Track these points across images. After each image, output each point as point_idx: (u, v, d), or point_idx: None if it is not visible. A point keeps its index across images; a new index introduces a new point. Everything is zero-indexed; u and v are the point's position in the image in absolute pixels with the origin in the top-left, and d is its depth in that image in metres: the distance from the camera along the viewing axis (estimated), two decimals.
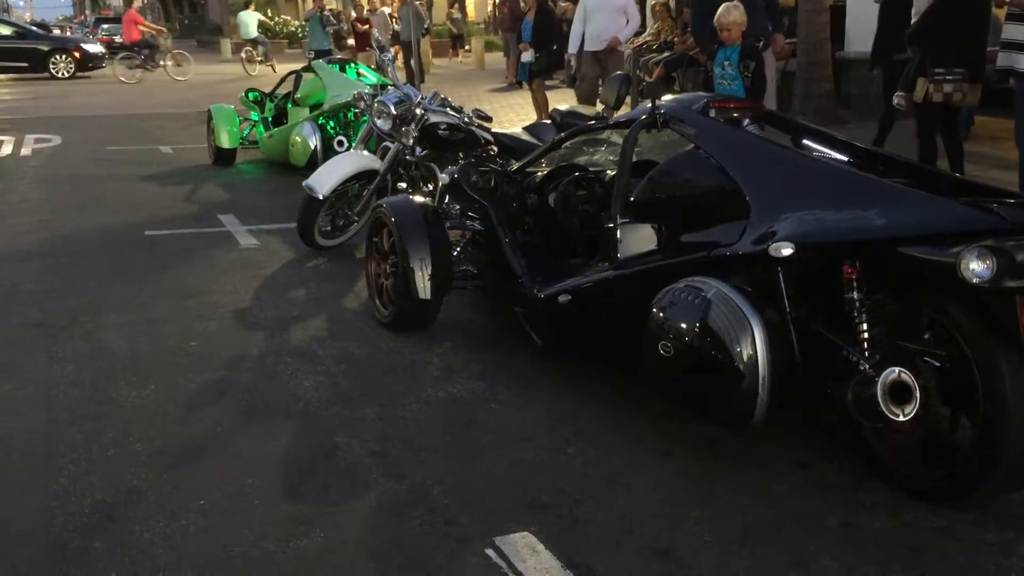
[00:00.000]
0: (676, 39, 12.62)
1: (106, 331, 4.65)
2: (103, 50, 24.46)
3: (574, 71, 11.73)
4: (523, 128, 6.22)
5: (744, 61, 6.31)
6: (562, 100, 11.53)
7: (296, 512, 2.93)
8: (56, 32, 34.32)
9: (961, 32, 6.52)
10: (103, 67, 23.21)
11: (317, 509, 2.95)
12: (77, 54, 23.09)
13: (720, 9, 6.37)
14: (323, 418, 3.64)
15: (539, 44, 10.99)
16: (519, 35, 11.44)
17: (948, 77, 6.57)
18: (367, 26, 16.20)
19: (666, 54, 12.33)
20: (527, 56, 10.96)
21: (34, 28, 24.63)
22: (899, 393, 2.70)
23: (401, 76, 13.42)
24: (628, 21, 10.16)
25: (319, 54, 15.13)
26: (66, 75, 22.56)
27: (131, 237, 6.69)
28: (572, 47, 10.20)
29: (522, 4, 13.97)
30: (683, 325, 3.12)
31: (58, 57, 22.88)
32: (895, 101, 7.14)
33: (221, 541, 2.77)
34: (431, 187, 5.47)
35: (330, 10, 17.16)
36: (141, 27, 21.38)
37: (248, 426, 3.57)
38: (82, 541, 2.78)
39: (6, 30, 23.33)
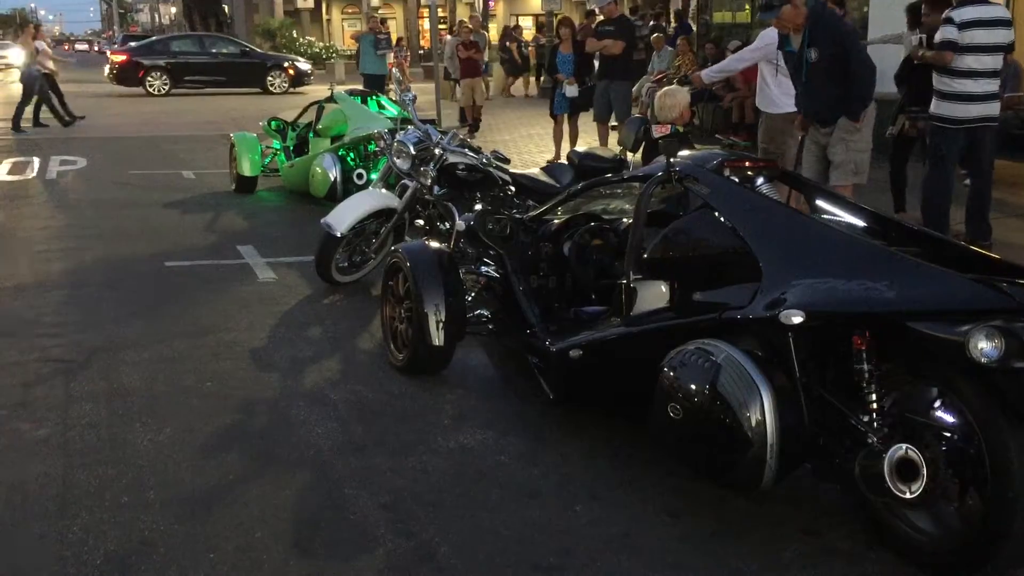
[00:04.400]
0: (692, 72, 12.66)
1: (124, 368, 4.71)
2: (311, 67, 26.13)
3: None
4: (540, 168, 6.26)
5: None
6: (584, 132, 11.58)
7: (305, 569, 2.96)
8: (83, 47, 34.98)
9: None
10: (310, 83, 24.65)
11: (325, 566, 2.98)
12: (291, 71, 24.51)
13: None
14: (334, 467, 3.67)
15: (579, 78, 11.09)
16: (554, 68, 11.45)
17: (922, 114, 6.98)
18: (473, 51, 15.08)
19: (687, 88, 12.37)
20: (572, 91, 11.01)
21: (252, 47, 26.41)
22: (906, 470, 2.71)
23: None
24: None
25: (372, 80, 14.78)
26: (281, 90, 24.12)
27: (151, 268, 6.77)
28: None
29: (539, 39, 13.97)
30: (692, 388, 3.14)
31: (275, 74, 24.43)
32: (887, 132, 7.73)
33: None
34: (448, 226, 5.52)
35: (386, 32, 16.53)
36: None
37: (260, 475, 3.61)
38: None
39: (232, 49, 25.19)
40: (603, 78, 10.49)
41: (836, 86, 5.73)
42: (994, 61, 6.39)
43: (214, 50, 24.96)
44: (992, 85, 6.43)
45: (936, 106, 6.54)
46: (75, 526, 3.20)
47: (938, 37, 6.36)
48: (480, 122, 14.80)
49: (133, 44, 27.06)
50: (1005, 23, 6.40)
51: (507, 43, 22.66)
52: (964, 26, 6.23)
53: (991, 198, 6.86)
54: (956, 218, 6.83)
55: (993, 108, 6.50)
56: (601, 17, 11.15)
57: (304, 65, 25.60)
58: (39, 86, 15.25)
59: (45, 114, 15.67)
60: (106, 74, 24.74)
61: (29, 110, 15.44)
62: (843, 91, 5.73)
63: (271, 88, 24.16)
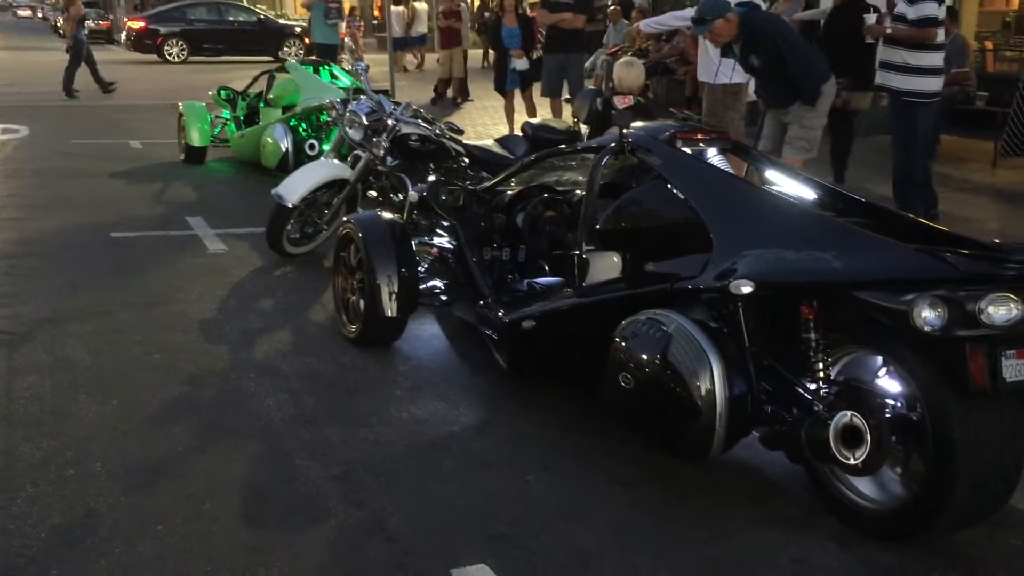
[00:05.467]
0: (651, 47, 12.68)
1: (68, 340, 4.62)
2: None
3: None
4: (495, 140, 6.23)
5: None
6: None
7: (253, 540, 2.93)
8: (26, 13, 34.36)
9: (845, 44, 6.98)
10: None
11: (275, 537, 2.96)
12: (307, 40, 23.51)
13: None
14: (285, 439, 3.64)
15: (527, 51, 10.98)
16: (499, 42, 11.31)
17: (842, 86, 6.96)
18: (453, 20, 15.07)
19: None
20: (522, 64, 10.88)
21: (268, 15, 26.18)
22: (851, 437, 2.76)
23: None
24: None
25: (324, 49, 14.53)
26: (296, 59, 23.41)
27: (97, 238, 6.63)
28: None
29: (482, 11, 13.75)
30: (643, 358, 3.17)
31: (290, 42, 24.10)
32: None
33: (177, 571, 2.77)
34: (401, 197, 5.47)
35: (337, 1, 16.28)
36: None
37: (209, 446, 3.57)
38: (38, 569, 2.77)
39: (248, 17, 24.92)
40: (556, 52, 10.22)
41: (785, 81, 5.78)
42: (942, 34, 6.60)
43: (230, 18, 24.64)
44: (941, 59, 6.63)
45: (908, 82, 6.55)
46: (19, 499, 3.14)
47: (918, 13, 6.39)
48: (468, 92, 14.78)
49: (149, 12, 27.05)
50: None
51: (485, 13, 22.33)
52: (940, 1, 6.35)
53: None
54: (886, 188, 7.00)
55: (944, 81, 6.70)
56: None
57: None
58: (87, 52, 15.63)
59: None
60: (123, 41, 24.39)
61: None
62: (792, 85, 5.78)
63: (287, 56, 23.64)
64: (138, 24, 24.56)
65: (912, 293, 2.64)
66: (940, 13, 6.43)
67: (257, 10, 26.48)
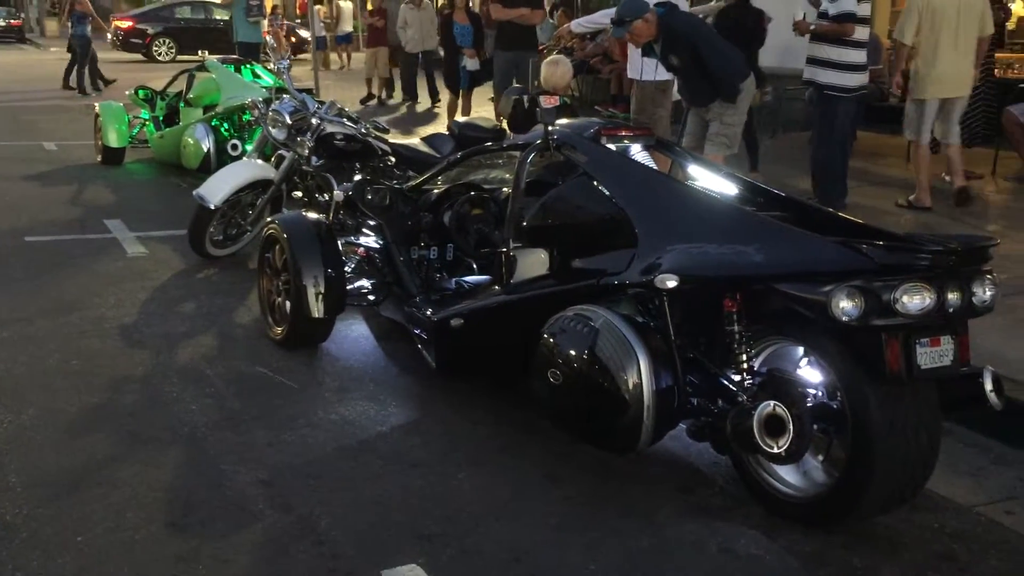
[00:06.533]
0: (576, 45, 12.75)
1: None
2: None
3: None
4: (421, 139, 6.19)
5: None
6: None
7: (178, 548, 2.87)
8: None
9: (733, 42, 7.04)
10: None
11: (200, 544, 2.89)
12: (293, 38, 23.01)
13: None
14: (210, 444, 3.57)
15: (478, 49, 10.90)
16: (451, 40, 11.18)
17: None
18: (377, 19, 14.97)
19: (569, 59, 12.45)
20: (473, 64, 10.77)
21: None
22: (774, 426, 2.82)
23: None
24: None
25: (246, 48, 14.30)
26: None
27: (10, 243, 6.42)
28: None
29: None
30: (571, 353, 3.19)
31: None
32: None
33: None
34: (327, 197, 5.41)
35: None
36: None
37: (131, 454, 3.47)
38: None
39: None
40: (509, 48, 9.80)
41: (704, 80, 5.88)
42: (865, 33, 6.87)
43: (217, 17, 23.98)
44: (864, 56, 6.91)
45: (827, 76, 6.82)
46: None
47: (837, 8, 6.66)
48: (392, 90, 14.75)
49: (137, 11, 26.55)
50: None
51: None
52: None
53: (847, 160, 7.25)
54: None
55: (866, 77, 6.96)
56: None
57: (305, 32, 24.37)
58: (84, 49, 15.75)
59: None
60: (109, 40, 23.70)
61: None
62: (711, 83, 5.88)
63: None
64: (126, 23, 24.30)
65: (830, 285, 2.71)
66: (860, 10, 6.66)
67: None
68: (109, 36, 16.61)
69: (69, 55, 16.22)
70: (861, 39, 6.82)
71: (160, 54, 23.58)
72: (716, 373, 3.09)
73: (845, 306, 2.67)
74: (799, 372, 3.02)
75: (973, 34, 6.81)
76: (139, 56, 23.37)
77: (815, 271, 2.85)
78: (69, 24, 16.32)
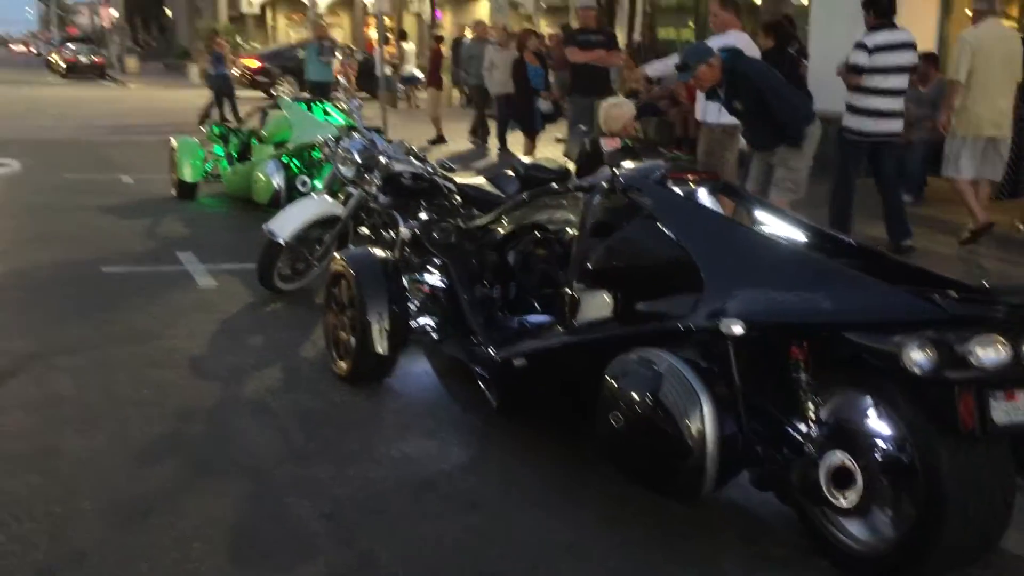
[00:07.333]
0: (642, 88, 12.80)
1: (57, 375, 4.60)
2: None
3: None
4: (486, 179, 6.26)
5: None
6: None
7: None
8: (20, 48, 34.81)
9: None
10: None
11: None
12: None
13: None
14: (274, 477, 3.62)
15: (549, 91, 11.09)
16: (525, 83, 11.33)
17: None
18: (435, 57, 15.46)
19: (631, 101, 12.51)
20: (547, 106, 10.94)
21: (369, 55, 25.94)
22: (841, 478, 2.76)
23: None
24: None
25: (318, 87, 14.68)
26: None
27: (88, 273, 6.62)
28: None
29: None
30: (634, 397, 3.17)
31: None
32: None
33: None
34: (393, 234, 5.49)
35: (331, 40, 16.56)
36: None
37: (198, 484, 3.54)
38: None
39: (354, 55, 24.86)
40: (585, 93, 9.76)
41: (769, 124, 5.89)
42: (899, 81, 7.01)
43: (337, 55, 24.81)
44: (897, 104, 7.04)
45: (847, 119, 7.03)
46: (2, 535, 3.10)
47: (850, 60, 6.94)
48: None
49: (263, 52, 28.23)
50: (911, 46, 7.02)
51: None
52: (875, 50, 6.83)
53: (902, 201, 7.40)
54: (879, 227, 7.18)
55: (896, 124, 7.09)
56: (576, 25, 11.11)
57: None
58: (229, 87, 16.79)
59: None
60: (238, 78, 24.52)
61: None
62: (776, 128, 5.88)
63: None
64: (255, 64, 25.78)
65: (901, 335, 2.66)
66: (865, 62, 6.84)
67: (357, 49, 27.08)
68: (237, 73, 17.67)
69: (210, 94, 17.00)
70: (891, 87, 6.93)
71: (284, 92, 24.20)
72: (781, 421, 3.05)
73: (917, 357, 2.62)
74: (868, 423, 2.95)
75: (1015, 78, 7.15)
76: (262, 94, 23.85)
77: (885, 320, 2.80)
78: (209, 64, 17.17)
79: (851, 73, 6.94)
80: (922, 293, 2.82)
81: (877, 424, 2.94)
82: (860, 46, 6.90)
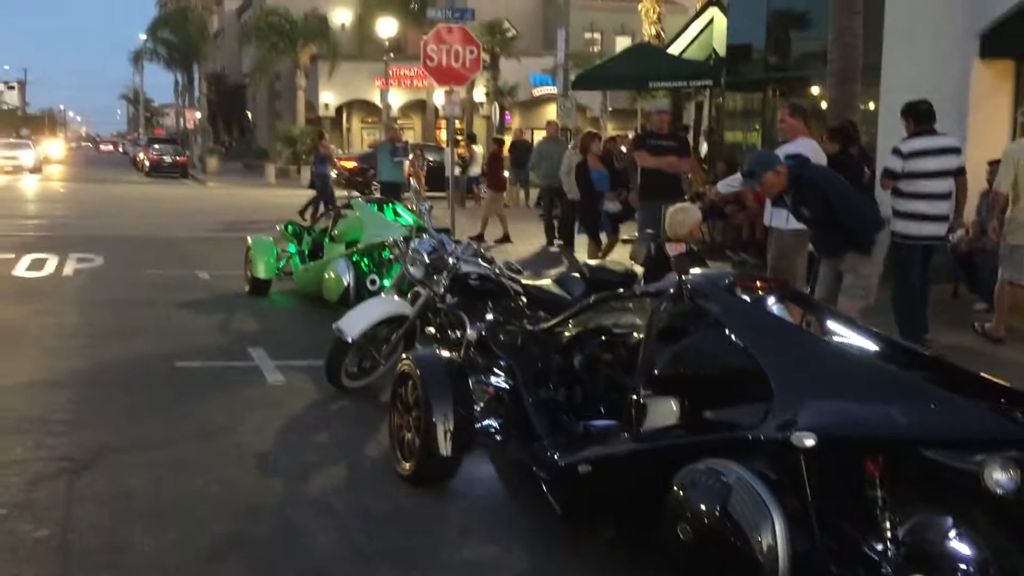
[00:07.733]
0: (707, 190, 12.88)
1: (129, 469, 4.68)
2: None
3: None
4: (552, 280, 6.32)
5: None
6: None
7: None
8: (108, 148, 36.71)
9: None
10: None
11: None
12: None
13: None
14: None
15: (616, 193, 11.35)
16: (589, 186, 11.60)
17: None
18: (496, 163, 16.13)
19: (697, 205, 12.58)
20: (614, 207, 11.18)
21: None
22: None
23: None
24: None
25: (388, 187, 15.14)
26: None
27: (162, 368, 6.79)
28: None
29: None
30: (703, 509, 3.10)
31: None
32: None
33: None
34: (459, 335, 5.54)
35: (404, 141, 17.21)
36: None
37: None
38: None
39: (440, 156, 25.14)
40: (654, 198, 9.65)
41: (837, 230, 5.90)
42: (940, 186, 7.14)
43: (428, 156, 25.15)
44: (942, 207, 7.17)
45: (894, 224, 7.09)
46: None
47: (886, 165, 7.19)
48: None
49: (359, 154, 29.50)
50: (954, 151, 7.20)
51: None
52: (910, 156, 7.02)
53: (927, 300, 7.54)
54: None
55: (941, 228, 7.27)
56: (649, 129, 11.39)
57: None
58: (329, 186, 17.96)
59: None
60: (334, 177, 25.74)
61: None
62: (845, 234, 5.87)
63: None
64: (351, 164, 27.06)
65: (983, 454, 2.58)
66: (899, 167, 7.07)
67: (430, 146, 28.29)
68: (334, 174, 19.08)
69: (312, 191, 18.04)
70: (932, 191, 7.08)
71: (376, 190, 25.14)
72: (857, 540, 2.95)
73: (1000, 478, 2.53)
74: (948, 544, 2.83)
75: None
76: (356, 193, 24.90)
77: (964, 438, 2.72)
78: (312, 164, 18.29)
79: (884, 178, 7.16)
80: (1003, 409, 2.75)
81: (958, 546, 2.82)
82: (895, 152, 7.12)
